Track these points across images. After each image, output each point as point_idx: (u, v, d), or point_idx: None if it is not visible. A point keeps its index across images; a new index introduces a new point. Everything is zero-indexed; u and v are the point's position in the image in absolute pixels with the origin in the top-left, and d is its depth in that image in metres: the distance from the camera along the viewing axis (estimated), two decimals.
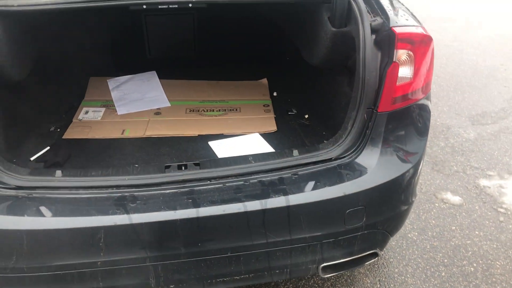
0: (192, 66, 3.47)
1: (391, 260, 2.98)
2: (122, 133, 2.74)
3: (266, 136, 2.73)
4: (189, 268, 1.96)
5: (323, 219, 2.01)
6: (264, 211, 1.91)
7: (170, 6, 2.08)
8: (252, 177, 2.02)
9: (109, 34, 3.24)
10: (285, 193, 1.95)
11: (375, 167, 2.07)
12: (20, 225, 1.80)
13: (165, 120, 2.90)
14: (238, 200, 1.91)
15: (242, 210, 1.89)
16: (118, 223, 1.82)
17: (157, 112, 2.99)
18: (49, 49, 2.94)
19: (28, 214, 1.81)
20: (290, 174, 2.04)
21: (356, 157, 2.11)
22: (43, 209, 1.83)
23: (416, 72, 2.04)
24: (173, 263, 1.94)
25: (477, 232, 3.23)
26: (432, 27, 5.60)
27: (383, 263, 2.95)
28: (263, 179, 2.01)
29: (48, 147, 2.54)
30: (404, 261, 2.97)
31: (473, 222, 3.32)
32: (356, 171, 2.07)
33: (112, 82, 3.28)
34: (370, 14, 2.07)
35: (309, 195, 1.97)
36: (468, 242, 3.13)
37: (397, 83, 2.02)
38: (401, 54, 1.99)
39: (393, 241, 3.11)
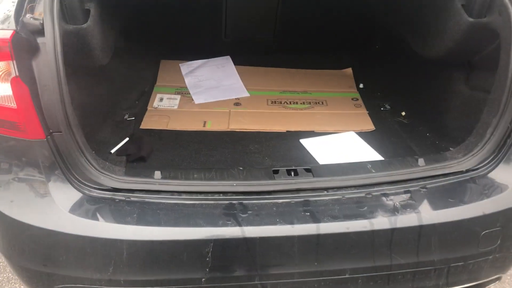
0: (269, 52, 3.19)
1: None
2: (204, 125, 2.50)
3: (364, 135, 2.45)
4: None
5: (456, 241, 1.74)
6: (392, 231, 1.65)
7: None
8: (375, 188, 1.76)
9: (181, 12, 2.97)
10: (416, 210, 1.69)
11: None
12: (120, 233, 1.58)
13: (247, 112, 2.64)
14: (363, 216, 1.66)
15: (368, 228, 1.64)
16: (230, 236, 1.59)
17: (237, 103, 2.74)
18: (124, 30, 2.70)
19: (128, 221, 1.59)
20: (418, 188, 1.77)
21: (491, 170, 1.82)
22: (144, 216, 1.61)
23: None
24: (285, 282, 1.70)
25: None
26: None
27: None
28: (388, 192, 1.75)
29: (127, 138, 2.32)
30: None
31: None
32: (494, 186, 1.79)
33: (185, 67, 3.03)
34: None
35: (444, 213, 1.70)
36: None
37: None
38: None
39: None
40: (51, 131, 1.61)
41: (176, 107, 2.67)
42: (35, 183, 1.64)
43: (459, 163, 1.82)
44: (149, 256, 1.59)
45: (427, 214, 1.68)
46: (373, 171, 1.81)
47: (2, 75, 1.55)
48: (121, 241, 1.56)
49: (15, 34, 1.53)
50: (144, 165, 2.12)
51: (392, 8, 2.57)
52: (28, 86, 1.56)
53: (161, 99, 2.73)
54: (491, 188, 1.78)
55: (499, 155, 1.82)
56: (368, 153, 2.27)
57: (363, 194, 1.74)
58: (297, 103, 2.75)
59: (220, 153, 2.27)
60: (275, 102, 2.76)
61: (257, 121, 2.55)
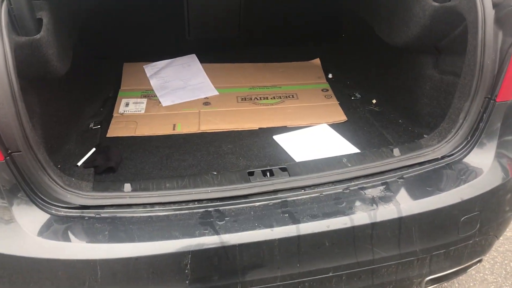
0: (235, 47, 3.12)
1: None
2: (174, 128, 2.42)
3: (336, 127, 2.42)
4: None
5: (437, 229, 1.73)
6: (373, 225, 1.63)
7: None
8: (352, 183, 1.73)
9: (141, 12, 2.87)
10: (395, 202, 1.67)
11: (492, 166, 1.79)
12: (92, 253, 1.50)
13: (217, 112, 2.58)
14: (343, 213, 1.62)
15: (348, 225, 1.61)
16: (208, 246, 1.53)
17: (206, 102, 2.67)
18: (80, 36, 2.59)
19: (100, 239, 1.51)
20: (395, 178, 1.75)
21: (466, 155, 1.82)
22: (116, 232, 1.54)
23: None
24: (268, 287, 1.66)
25: None
26: None
27: None
28: (365, 185, 1.73)
29: (94, 149, 2.22)
30: None
31: None
32: (470, 172, 1.79)
33: (149, 68, 2.94)
34: None
35: (423, 203, 1.69)
36: None
37: None
38: None
39: None
40: (9, 151, 1.51)
41: (143, 111, 2.58)
42: None
43: (434, 151, 1.81)
44: (125, 274, 1.52)
45: (405, 205, 1.66)
46: (349, 165, 1.79)
47: None
48: (94, 261, 1.49)
49: None
50: (114, 176, 2.04)
51: None
52: None
53: (127, 104, 2.63)
54: (467, 173, 1.78)
55: (472, 140, 1.82)
56: (343, 145, 2.25)
57: (340, 190, 1.71)
58: (267, 98, 2.70)
59: (193, 156, 2.20)
60: (245, 98, 2.70)
61: (228, 120, 2.49)
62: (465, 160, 1.81)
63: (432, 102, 2.28)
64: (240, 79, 2.89)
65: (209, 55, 3.03)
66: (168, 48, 3.04)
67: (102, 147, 2.24)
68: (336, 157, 1.85)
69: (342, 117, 2.49)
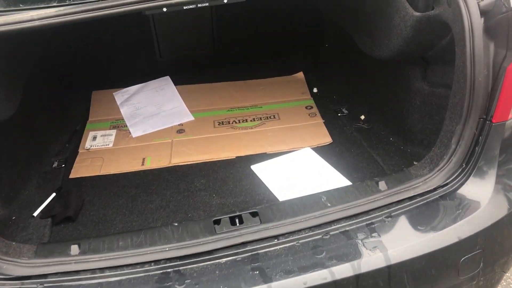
0: (211, 65, 2.91)
1: None
2: (143, 163, 2.22)
3: (320, 150, 2.21)
4: None
5: (433, 274, 1.50)
6: (357, 277, 1.41)
7: (199, 5, 1.53)
8: (333, 227, 1.50)
9: (108, 37, 2.67)
10: (382, 247, 1.44)
11: (492, 196, 1.56)
12: None
13: (192, 140, 2.37)
14: (322, 265, 1.40)
15: (329, 279, 1.39)
16: None
17: (180, 130, 2.46)
18: (40, 65, 2.39)
19: None
20: (382, 218, 1.53)
21: (462, 185, 1.59)
22: None
23: None
24: None
25: None
26: None
27: None
28: (348, 228, 1.50)
29: (54, 194, 2.02)
30: None
31: None
32: (467, 204, 1.56)
33: (119, 95, 2.73)
34: None
35: (415, 246, 1.46)
36: None
37: None
38: None
39: None
40: None
41: (111, 144, 2.38)
42: None
43: (426, 181, 1.58)
44: None
45: (394, 251, 1.44)
46: (329, 204, 1.56)
47: None
48: None
49: None
50: (72, 227, 1.85)
51: (335, 5, 2.31)
52: None
53: (94, 138, 2.43)
54: (464, 207, 1.55)
55: (468, 167, 1.59)
56: (327, 173, 2.03)
57: (319, 236, 1.48)
58: (246, 120, 2.48)
59: (161, 196, 1.99)
60: (222, 123, 2.49)
61: (203, 150, 2.28)
62: (461, 190, 1.58)
63: (423, 118, 2.05)
64: (218, 100, 2.68)
65: (184, 75, 2.82)
66: (140, 72, 2.84)
67: (62, 192, 2.04)
68: (314, 195, 1.62)
69: (327, 139, 2.27)
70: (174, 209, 1.91)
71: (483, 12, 1.46)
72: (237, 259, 1.44)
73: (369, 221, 1.52)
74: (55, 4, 1.47)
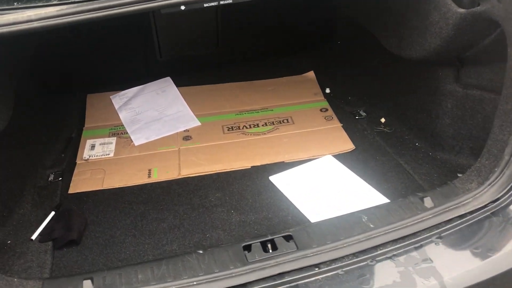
0: (214, 65, 2.71)
1: None
2: (149, 175, 2.02)
3: (343, 158, 2.04)
4: None
5: None
6: None
7: (222, 2, 1.34)
8: (379, 251, 1.34)
9: (103, 35, 2.44)
10: (436, 274, 1.28)
11: None
12: None
13: (201, 148, 2.18)
14: None
15: None
16: None
17: (187, 136, 2.26)
18: (32, 67, 2.17)
19: None
20: (431, 239, 1.37)
21: None
22: None
23: None
24: None
25: None
26: None
27: None
28: (395, 252, 1.34)
29: (53, 213, 1.82)
30: None
31: None
32: None
33: (117, 99, 2.52)
34: None
35: (472, 271, 1.30)
36: None
37: None
38: None
39: None
40: None
41: (111, 154, 2.17)
42: None
43: (476, 197, 1.43)
44: None
45: (451, 278, 1.28)
46: (372, 226, 1.40)
47: None
48: None
49: None
50: (77, 251, 1.65)
51: (354, 1, 2.13)
52: None
53: (93, 147, 2.22)
54: None
55: None
56: (355, 185, 1.87)
57: (365, 263, 1.32)
58: (258, 125, 2.30)
59: (173, 214, 1.80)
60: (232, 128, 2.30)
61: (214, 159, 2.09)
62: None
63: (456, 122, 1.90)
64: (224, 103, 2.49)
65: (185, 76, 2.62)
66: (138, 73, 2.63)
67: (62, 211, 1.83)
68: (353, 215, 1.45)
69: (349, 145, 2.10)
70: (189, 228, 1.73)
71: None
72: None
73: (418, 244, 1.36)
74: (55, 2, 1.26)
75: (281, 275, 1.29)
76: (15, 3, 1.22)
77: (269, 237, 1.39)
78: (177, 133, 2.29)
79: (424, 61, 1.81)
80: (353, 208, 1.61)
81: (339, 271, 1.30)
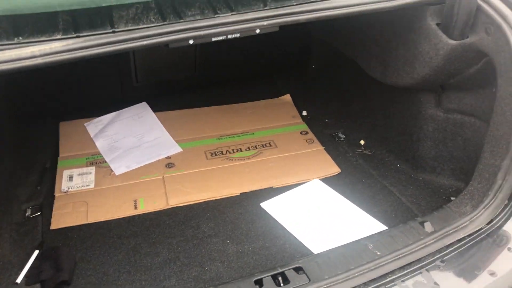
0: (191, 89, 2.67)
1: None
2: (136, 207, 1.96)
3: (330, 181, 2.07)
4: None
5: None
6: None
7: (230, 36, 1.34)
8: (388, 279, 1.36)
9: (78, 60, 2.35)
10: None
11: None
12: None
13: (186, 175, 2.13)
14: None
15: None
16: None
17: (169, 164, 2.21)
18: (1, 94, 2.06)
19: None
20: (435, 264, 1.41)
21: (506, 221, 1.52)
22: None
23: None
24: None
25: None
26: None
27: None
28: (403, 279, 1.37)
29: (37, 251, 1.72)
30: None
31: None
32: None
33: (92, 126, 2.43)
34: None
35: None
36: None
37: None
38: None
39: None
40: None
41: (92, 185, 2.08)
42: None
43: (472, 220, 1.50)
44: None
45: None
46: (378, 253, 1.42)
47: None
48: None
49: None
50: None
51: (335, 31, 2.18)
52: None
53: (70, 178, 2.12)
54: None
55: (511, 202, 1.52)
56: (345, 208, 1.90)
57: None
58: (241, 150, 2.29)
59: (167, 247, 1.75)
60: (215, 153, 2.27)
61: (201, 186, 2.06)
62: (507, 227, 1.51)
63: (437, 145, 1.98)
64: (204, 128, 2.46)
65: (163, 101, 2.57)
66: (113, 98, 2.55)
67: (47, 249, 1.73)
68: (358, 243, 1.47)
69: (335, 169, 2.14)
70: (186, 262, 1.68)
71: None
72: None
73: (424, 269, 1.40)
74: (59, 37, 1.20)
75: None
76: (16, 38, 1.15)
77: (279, 270, 1.38)
78: (158, 160, 2.24)
79: (409, 87, 1.88)
80: (351, 235, 1.64)
81: None
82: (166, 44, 1.26)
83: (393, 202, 1.94)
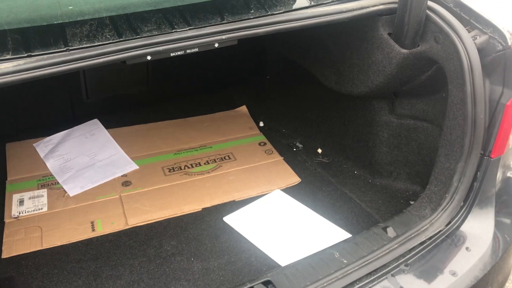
0: (143, 104, 2.62)
1: None
2: (93, 229, 1.88)
3: (291, 191, 2.08)
4: None
5: None
6: None
7: (188, 51, 1.32)
8: (356, 286, 1.38)
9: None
10: None
11: (495, 230, 1.57)
12: None
13: (143, 193, 2.08)
14: None
15: None
16: None
17: (126, 182, 2.15)
18: None
19: None
20: (400, 268, 1.44)
21: (463, 222, 1.58)
22: None
23: None
24: None
25: None
26: None
27: None
28: (370, 285, 1.39)
29: None
30: None
31: None
32: (474, 242, 1.55)
33: (41, 146, 2.32)
34: None
35: None
36: None
37: None
38: None
39: None
40: None
41: (45, 208, 1.99)
42: None
43: (432, 223, 1.54)
44: None
45: None
46: (345, 261, 1.43)
47: None
48: None
49: None
50: None
51: (286, 39, 2.20)
52: None
53: (21, 202, 2.01)
54: (472, 245, 1.53)
55: (467, 203, 1.59)
56: (310, 219, 1.91)
57: None
58: (199, 164, 2.26)
59: (129, 268, 1.69)
60: (173, 169, 2.23)
61: (161, 204, 2.01)
62: (463, 228, 1.57)
63: (392, 150, 2.04)
64: (160, 143, 2.41)
65: (115, 117, 2.50)
66: (62, 116, 2.45)
67: (1, 280, 1.63)
68: (324, 252, 1.48)
69: (295, 178, 2.15)
70: (150, 283, 1.63)
71: (479, 50, 1.46)
72: None
73: (390, 274, 1.42)
74: (9, 56, 1.14)
75: None
76: None
77: (248, 285, 1.36)
78: (114, 179, 2.16)
79: (363, 96, 1.92)
80: (316, 245, 1.65)
81: None
82: (123, 61, 1.23)
83: (353, 209, 1.97)
